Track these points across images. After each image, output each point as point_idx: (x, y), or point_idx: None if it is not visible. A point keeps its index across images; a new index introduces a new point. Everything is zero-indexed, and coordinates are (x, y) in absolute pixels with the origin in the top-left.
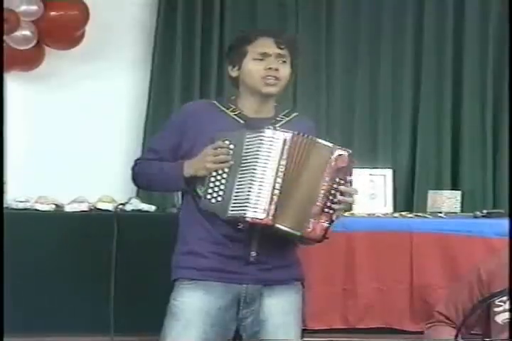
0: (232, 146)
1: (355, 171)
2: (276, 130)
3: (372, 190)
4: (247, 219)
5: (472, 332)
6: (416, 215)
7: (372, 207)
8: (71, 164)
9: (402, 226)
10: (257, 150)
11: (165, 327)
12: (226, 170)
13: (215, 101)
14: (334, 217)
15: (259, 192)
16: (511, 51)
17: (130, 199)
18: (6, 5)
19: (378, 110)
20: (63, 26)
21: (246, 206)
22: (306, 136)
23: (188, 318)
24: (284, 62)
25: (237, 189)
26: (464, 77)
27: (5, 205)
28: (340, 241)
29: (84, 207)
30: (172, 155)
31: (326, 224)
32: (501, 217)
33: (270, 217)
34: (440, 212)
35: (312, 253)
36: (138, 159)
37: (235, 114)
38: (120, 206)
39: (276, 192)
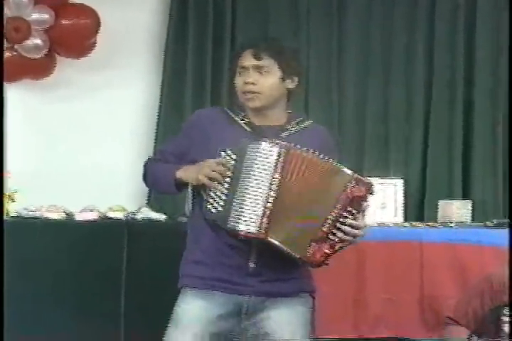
0: (234, 156)
1: None
2: (273, 142)
3: (382, 200)
4: (241, 232)
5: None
6: (426, 225)
7: (383, 216)
8: (82, 173)
9: (412, 236)
10: (253, 163)
11: (166, 333)
12: (228, 180)
13: (226, 109)
14: (337, 247)
15: (253, 206)
16: (511, 53)
17: (140, 208)
18: (17, 13)
19: (390, 120)
20: (74, 35)
21: (239, 219)
22: (310, 151)
23: (186, 325)
24: (265, 72)
25: (235, 201)
26: (475, 87)
27: (15, 214)
28: (350, 250)
29: (94, 215)
30: (178, 159)
31: (327, 251)
32: None
33: (263, 231)
34: (451, 222)
35: None
36: (148, 158)
37: (244, 122)
38: (131, 215)
39: (269, 205)
